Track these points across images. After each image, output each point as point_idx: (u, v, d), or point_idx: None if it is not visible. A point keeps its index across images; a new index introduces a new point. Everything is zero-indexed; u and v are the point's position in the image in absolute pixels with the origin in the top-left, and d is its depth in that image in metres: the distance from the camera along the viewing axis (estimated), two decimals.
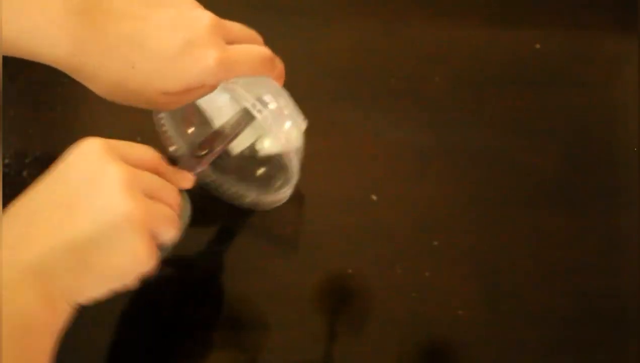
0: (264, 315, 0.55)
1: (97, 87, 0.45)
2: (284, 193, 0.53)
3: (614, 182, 0.61)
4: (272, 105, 0.47)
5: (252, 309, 0.55)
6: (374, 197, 0.59)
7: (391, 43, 0.65)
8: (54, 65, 0.43)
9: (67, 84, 0.59)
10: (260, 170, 0.57)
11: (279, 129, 0.48)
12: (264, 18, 0.65)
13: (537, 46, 0.65)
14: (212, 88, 0.47)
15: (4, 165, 0.57)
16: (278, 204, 0.54)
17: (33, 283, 0.36)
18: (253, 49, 0.47)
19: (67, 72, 0.43)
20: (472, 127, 0.62)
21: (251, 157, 0.55)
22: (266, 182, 0.56)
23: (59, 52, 0.42)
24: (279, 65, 0.49)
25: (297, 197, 0.59)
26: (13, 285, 0.36)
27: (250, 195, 0.56)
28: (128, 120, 0.59)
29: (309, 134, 0.61)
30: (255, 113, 0.46)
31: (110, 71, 0.43)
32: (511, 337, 0.54)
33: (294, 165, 0.49)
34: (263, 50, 0.47)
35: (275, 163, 0.55)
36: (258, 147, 0.54)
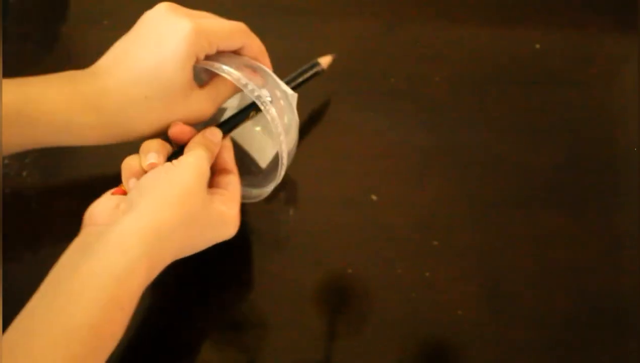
0: (264, 315, 0.55)
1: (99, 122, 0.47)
2: (270, 187, 0.52)
3: (614, 182, 0.61)
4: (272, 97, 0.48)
5: (252, 309, 0.55)
6: (374, 197, 0.59)
7: (391, 43, 0.65)
8: (56, 130, 0.47)
9: None
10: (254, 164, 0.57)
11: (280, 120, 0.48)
12: (264, 18, 0.66)
13: (537, 46, 0.65)
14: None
15: (4, 165, 0.57)
16: (260, 198, 0.53)
17: (144, 246, 0.41)
18: (225, 20, 0.50)
19: (70, 136, 0.47)
20: (472, 127, 0.62)
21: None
22: (256, 176, 0.56)
23: (56, 109, 0.46)
24: (257, 40, 0.51)
25: (295, 196, 0.59)
26: (126, 241, 0.41)
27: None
28: None
29: (309, 134, 0.61)
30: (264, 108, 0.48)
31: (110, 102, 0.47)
32: (511, 337, 0.54)
33: (284, 157, 0.49)
34: (235, 22, 0.50)
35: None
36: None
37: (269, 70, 0.51)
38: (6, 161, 0.57)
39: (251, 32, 0.50)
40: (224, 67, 0.48)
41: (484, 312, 0.55)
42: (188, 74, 0.47)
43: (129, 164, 0.46)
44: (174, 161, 0.45)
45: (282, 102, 0.49)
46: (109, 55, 0.48)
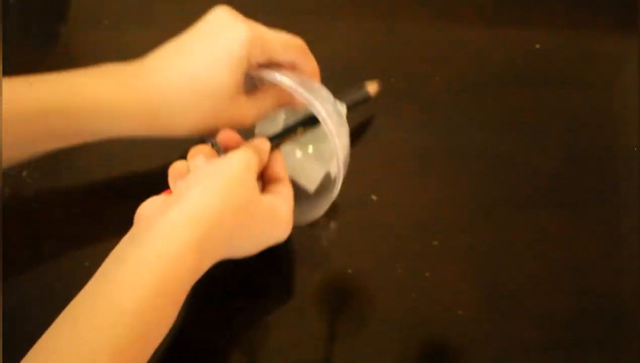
0: (264, 315, 0.55)
1: (179, 115, 0.48)
2: (323, 207, 0.51)
3: (614, 183, 0.61)
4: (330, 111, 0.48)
5: (252, 309, 0.55)
6: (374, 197, 0.59)
7: (391, 43, 0.65)
8: (103, 121, 0.47)
9: None
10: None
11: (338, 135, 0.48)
12: (264, 18, 0.66)
13: (537, 46, 0.65)
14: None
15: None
16: (312, 220, 0.53)
17: (193, 231, 0.41)
18: (284, 33, 0.50)
19: (116, 126, 0.48)
20: (472, 127, 0.62)
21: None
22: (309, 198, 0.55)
23: (104, 100, 0.46)
24: (312, 60, 0.51)
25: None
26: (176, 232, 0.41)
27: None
28: None
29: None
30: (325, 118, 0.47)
31: (177, 91, 0.47)
32: (511, 337, 0.54)
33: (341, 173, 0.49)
34: (293, 36, 0.50)
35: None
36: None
37: (321, 85, 0.51)
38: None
39: (308, 50, 0.50)
40: (280, 74, 0.48)
41: (484, 312, 0.55)
42: (238, 77, 0.47)
43: (176, 167, 0.46)
44: (222, 156, 0.46)
45: (335, 116, 0.48)
46: (160, 51, 0.49)
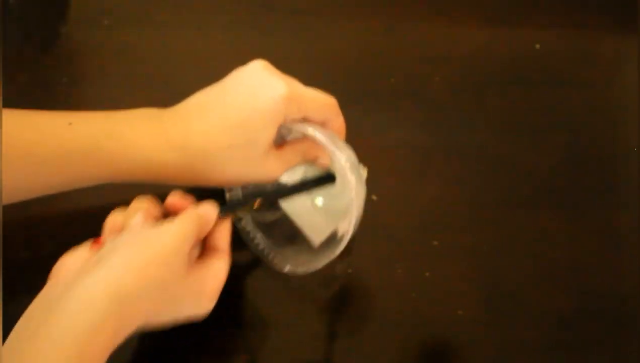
0: (264, 315, 0.55)
1: (216, 168, 0.47)
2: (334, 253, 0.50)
3: (614, 182, 0.61)
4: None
5: (252, 309, 0.55)
6: (374, 197, 0.59)
7: (391, 43, 0.65)
8: (137, 166, 0.47)
9: (67, 84, 0.59)
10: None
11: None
12: (265, 18, 0.66)
13: (537, 46, 0.65)
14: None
15: None
16: (308, 272, 0.52)
17: (111, 305, 0.39)
18: (319, 92, 0.49)
19: (149, 173, 0.47)
20: (472, 127, 0.62)
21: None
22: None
23: (140, 145, 0.46)
24: (341, 118, 0.50)
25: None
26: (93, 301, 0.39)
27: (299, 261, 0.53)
28: None
29: None
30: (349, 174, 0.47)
31: (215, 143, 0.47)
32: (511, 337, 0.54)
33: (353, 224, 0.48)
34: (327, 96, 0.50)
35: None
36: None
37: (347, 144, 0.50)
38: None
39: (339, 109, 0.50)
40: (312, 128, 0.48)
41: (484, 312, 0.55)
42: (273, 132, 0.47)
43: (113, 220, 0.44)
44: (157, 225, 0.43)
45: (357, 174, 0.48)
46: (194, 100, 0.48)
